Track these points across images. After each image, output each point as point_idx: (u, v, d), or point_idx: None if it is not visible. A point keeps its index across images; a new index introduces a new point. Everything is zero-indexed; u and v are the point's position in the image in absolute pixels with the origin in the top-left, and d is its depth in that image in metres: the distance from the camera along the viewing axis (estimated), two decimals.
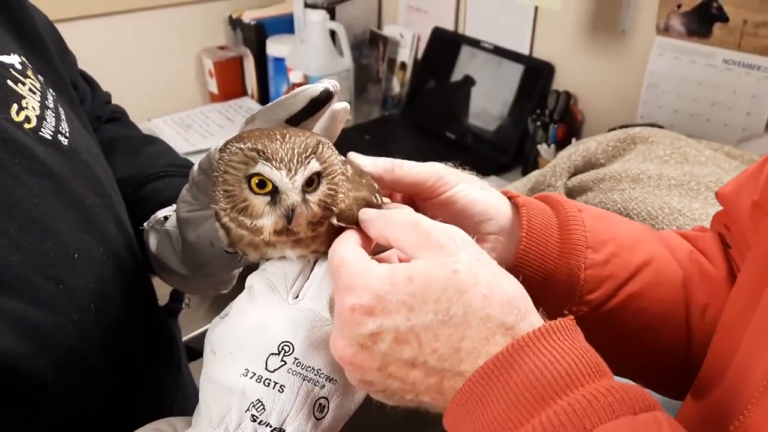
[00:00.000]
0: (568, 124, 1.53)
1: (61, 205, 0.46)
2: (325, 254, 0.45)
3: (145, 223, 0.61)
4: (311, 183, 0.42)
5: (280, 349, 0.42)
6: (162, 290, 0.67)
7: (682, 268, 0.56)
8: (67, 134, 0.50)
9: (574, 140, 1.52)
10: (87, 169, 0.52)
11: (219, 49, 1.94)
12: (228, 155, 0.42)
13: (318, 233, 0.44)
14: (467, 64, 1.74)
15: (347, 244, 0.43)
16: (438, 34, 1.79)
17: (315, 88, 0.46)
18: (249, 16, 1.90)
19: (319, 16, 1.74)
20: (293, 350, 0.42)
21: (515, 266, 0.53)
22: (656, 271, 0.55)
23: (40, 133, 0.47)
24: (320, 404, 0.43)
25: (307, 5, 1.81)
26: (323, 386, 0.43)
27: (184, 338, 0.80)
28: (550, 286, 0.52)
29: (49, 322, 0.42)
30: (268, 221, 0.42)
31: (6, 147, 0.43)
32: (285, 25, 1.90)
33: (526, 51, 1.62)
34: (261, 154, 0.40)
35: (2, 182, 0.42)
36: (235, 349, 0.43)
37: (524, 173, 1.58)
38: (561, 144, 1.51)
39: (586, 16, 1.48)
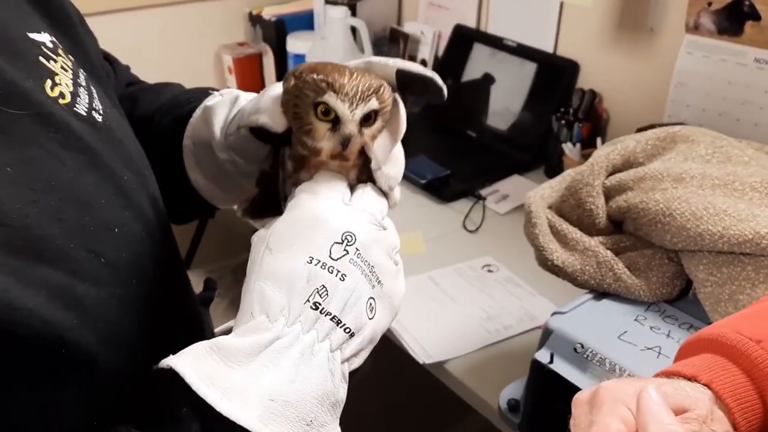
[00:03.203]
0: (593, 123, 1.51)
1: (98, 180, 0.46)
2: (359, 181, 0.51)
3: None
4: (368, 118, 0.48)
5: (343, 239, 0.44)
6: (194, 282, 0.66)
7: None
8: (101, 111, 0.49)
9: (599, 139, 1.51)
10: (121, 147, 0.51)
11: (238, 45, 1.93)
12: (302, 83, 0.47)
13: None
14: (489, 61, 1.73)
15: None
16: (459, 32, 1.78)
17: (437, 79, 0.50)
18: (269, 13, 1.89)
19: (340, 12, 1.73)
20: (355, 241, 0.44)
21: None
22: None
23: (75, 109, 0.46)
24: (371, 304, 0.45)
25: (327, 2, 1.80)
26: (373, 286, 0.45)
27: None
28: None
29: (92, 295, 0.41)
30: (326, 144, 0.48)
31: (40, 121, 0.42)
32: (305, 21, 1.89)
33: (550, 49, 1.60)
34: (330, 86, 0.46)
35: (36, 157, 0.41)
36: (298, 240, 0.44)
37: (547, 172, 1.57)
38: (585, 143, 1.49)
39: (613, 13, 1.46)
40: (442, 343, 1.06)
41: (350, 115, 0.46)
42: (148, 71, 1.90)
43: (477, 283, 1.21)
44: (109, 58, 0.72)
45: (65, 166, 0.43)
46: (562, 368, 0.74)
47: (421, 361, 1.02)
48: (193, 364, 0.40)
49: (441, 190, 1.48)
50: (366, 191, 0.50)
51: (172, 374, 0.40)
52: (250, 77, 1.92)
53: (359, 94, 0.46)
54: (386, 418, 1.68)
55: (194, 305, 0.64)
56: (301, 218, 0.45)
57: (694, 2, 1.31)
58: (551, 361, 0.75)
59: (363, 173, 0.51)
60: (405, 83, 0.51)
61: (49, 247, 0.39)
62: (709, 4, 1.29)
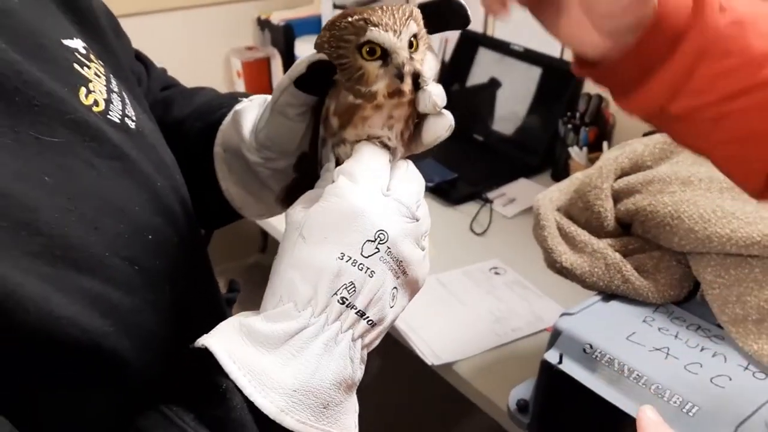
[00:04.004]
0: (600, 127, 1.52)
1: (133, 187, 0.47)
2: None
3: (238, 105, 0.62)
4: (411, 45, 0.48)
5: (376, 237, 0.45)
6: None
7: None
8: (134, 118, 0.50)
9: (605, 143, 1.52)
10: (154, 153, 0.52)
11: (247, 49, 1.95)
12: (338, 31, 0.47)
13: (410, 109, 0.50)
14: (496, 66, 1.74)
15: None
16: (466, 36, 1.79)
17: None
18: (277, 17, 1.90)
19: None
20: (387, 239, 0.45)
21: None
22: None
23: (108, 116, 0.47)
24: (393, 294, 0.46)
25: (335, 6, 1.82)
26: (398, 277, 0.46)
27: None
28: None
29: (126, 302, 0.43)
30: (381, 84, 0.47)
31: (76, 129, 0.43)
32: (313, 26, 1.91)
33: (556, 53, 1.61)
34: (368, 22, 0.46)
35: (72, 165, 0.42)
36: (331, 233, 0.45)
37: (554, 175, 1.58)
38: (592, 147, 1.50)
39: None
40: (451, 345, 1.06)
41: (397, 42, 0.46)
42: None
43: (485, 285, 1.22)
44: (142, 59, 0.73)
45: (100, 174, 0.44)
46: (572, 369, 0.75)
47: (429, 363, 1.03)
48: (225, 345, 0.42)
49: (448, 193, 1.49)
50: (407, 174, 0.49)
51: (208, 353, 0.41)
52: (259, 81, 1.94)
53: (398, 21, 0.46)
54: (394, 419, 1.68)
55: (222, 306, 0.65)
56: (337, 209, 0.45)
57: None
58: (560, 362, 0.76)
59: (409, 124, 0.51)
60: (426, 18, 0.50)
61: (84, 256, 0.40)
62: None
